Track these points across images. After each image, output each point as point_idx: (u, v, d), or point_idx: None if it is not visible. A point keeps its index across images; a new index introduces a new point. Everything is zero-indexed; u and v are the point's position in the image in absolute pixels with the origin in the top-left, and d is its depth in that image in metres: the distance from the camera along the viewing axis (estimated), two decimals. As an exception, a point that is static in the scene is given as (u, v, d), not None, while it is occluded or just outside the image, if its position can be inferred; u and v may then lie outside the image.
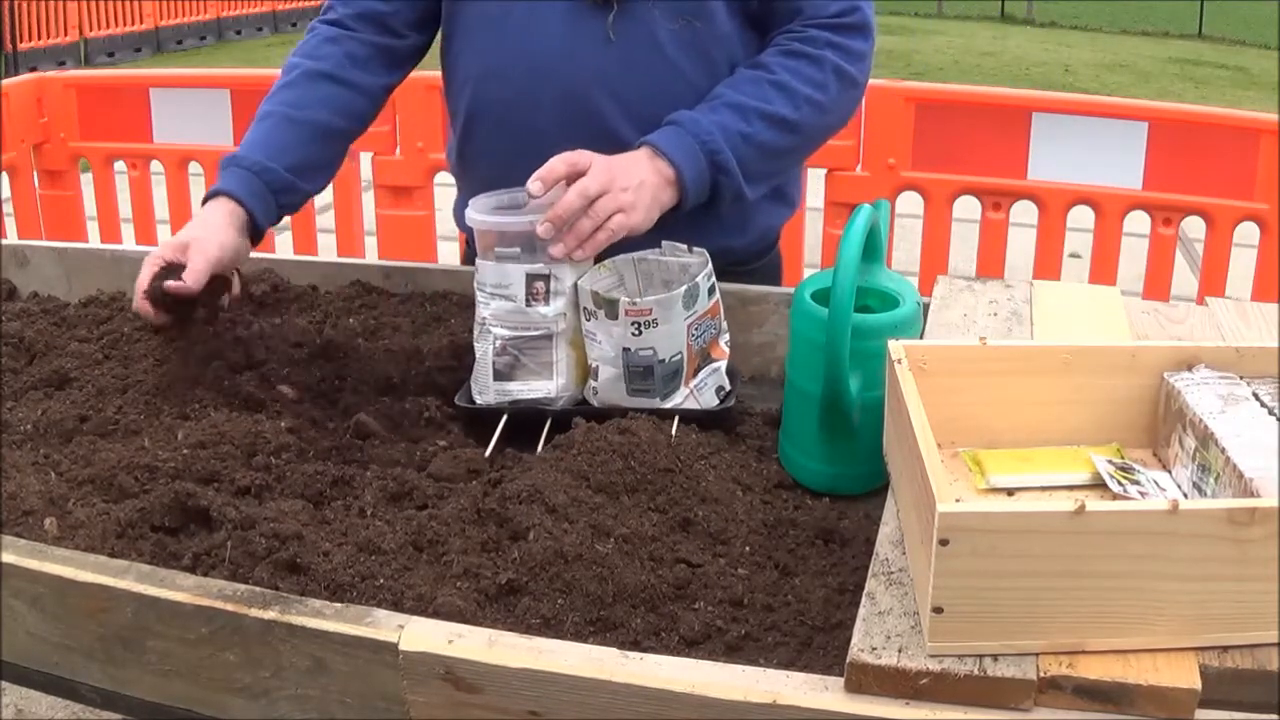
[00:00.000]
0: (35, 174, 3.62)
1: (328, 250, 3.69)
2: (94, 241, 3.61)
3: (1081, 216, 3.18)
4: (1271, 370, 1.15)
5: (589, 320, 1.38)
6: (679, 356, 1.37)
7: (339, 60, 1.64)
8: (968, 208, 3.29)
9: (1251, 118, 3.09)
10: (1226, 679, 0.88)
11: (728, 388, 1.43)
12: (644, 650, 0.98)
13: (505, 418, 1.38)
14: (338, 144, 1.67)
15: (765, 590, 1.10)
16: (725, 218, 1.59)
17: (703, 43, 1.56)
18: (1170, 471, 1.14)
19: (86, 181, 3.69)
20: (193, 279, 1.47)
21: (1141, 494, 1.08)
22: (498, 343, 1.40)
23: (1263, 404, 1.09)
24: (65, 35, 10.97)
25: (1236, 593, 0.88)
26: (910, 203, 3.25)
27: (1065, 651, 0.88)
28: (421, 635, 0.96)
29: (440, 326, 1.65)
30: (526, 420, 1.39)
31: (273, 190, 1.58)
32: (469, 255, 1.62)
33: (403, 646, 0.96)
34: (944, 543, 0.86)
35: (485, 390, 1.42)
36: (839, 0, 1.57)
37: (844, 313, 1.16)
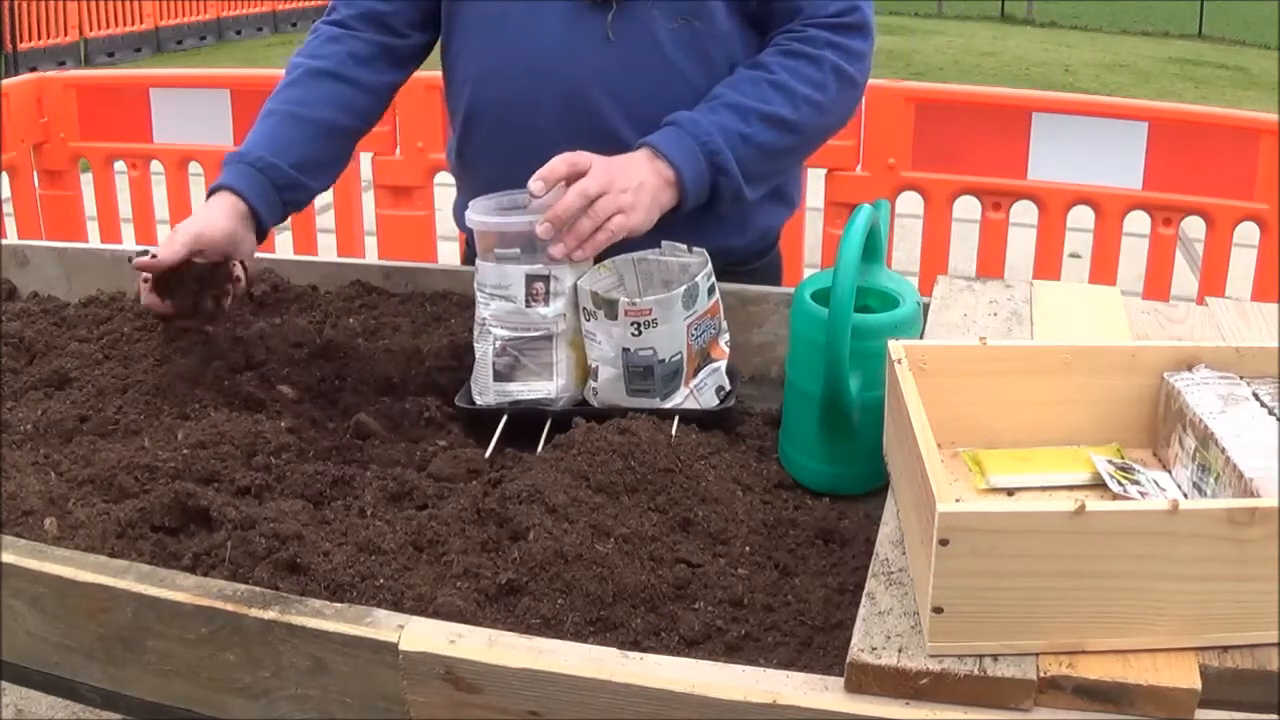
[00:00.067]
0: (35, 174, 3.62)
1: (328, 250, 3.69)
2: (94, 241, 3.61)
3: (1081, 216, 3.18)
4: (1271, 370, 1.15)
5: (589, 320, 1.38)
6: (679, 356, 1.37)
7: (342, 59, 1.65)
8: (968, 208, 3.29)
9: (1251, 118, 3.09)
10: (1226, 679, 0.88)
11: (728, 387, 1.43)
12: (644, 650, 0.98)
13: (505, 418, 1.38)
14: (343, 141, 1.67)
15: (765, 590, 1.10)
16: (725, 218, 1.59)
17: (702, 42, 1.56)
18: (1170, 471, 1.14)
19: (86, 181, 3.69)
20: (164, 253, 1.48)
21: (1141, 494, 1.08)
22: (498, 343, 1.40)
23: (1263, 404, 1.09)
24: (65, 35, 10.97)
25: (1236, 593, 0.88)
26: (910, 203, 3.25)
27: (1065, 651, 0.88)
28: (421, 635, 0.96)
29: (440, 326, 1.65)
30: (526, 420, 1.39)
31: (277, 186, 1.58)
32: (469, 255, 1.62)
33: (403, 646, 0.96)
34: (944, 543, 0.86)
35: (485, 391, 1.42)
36: (838, 0, 1.57)
37: (844, 313, 1.16)
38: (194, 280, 1.52)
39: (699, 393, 1.40)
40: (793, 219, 1.81)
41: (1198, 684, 0.85)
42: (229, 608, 1.01)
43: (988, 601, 0.88)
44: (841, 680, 0.90)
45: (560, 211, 1.37)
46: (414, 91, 3.12)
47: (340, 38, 1.66)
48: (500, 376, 1.41)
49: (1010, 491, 1.13)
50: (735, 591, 1.09)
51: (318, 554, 1.10)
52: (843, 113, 1.62)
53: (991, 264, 3.18)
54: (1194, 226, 3.28)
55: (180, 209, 3.63)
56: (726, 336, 1.45)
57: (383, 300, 1.74)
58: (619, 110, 1.56)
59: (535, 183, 1.37)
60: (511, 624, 1.04)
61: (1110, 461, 1.14)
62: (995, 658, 0.88)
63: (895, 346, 1.14)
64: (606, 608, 1.06)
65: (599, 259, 1.44)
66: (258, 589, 1.04)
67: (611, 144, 1.51)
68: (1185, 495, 1.09)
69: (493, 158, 1.64)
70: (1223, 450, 1.03)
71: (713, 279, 1.40)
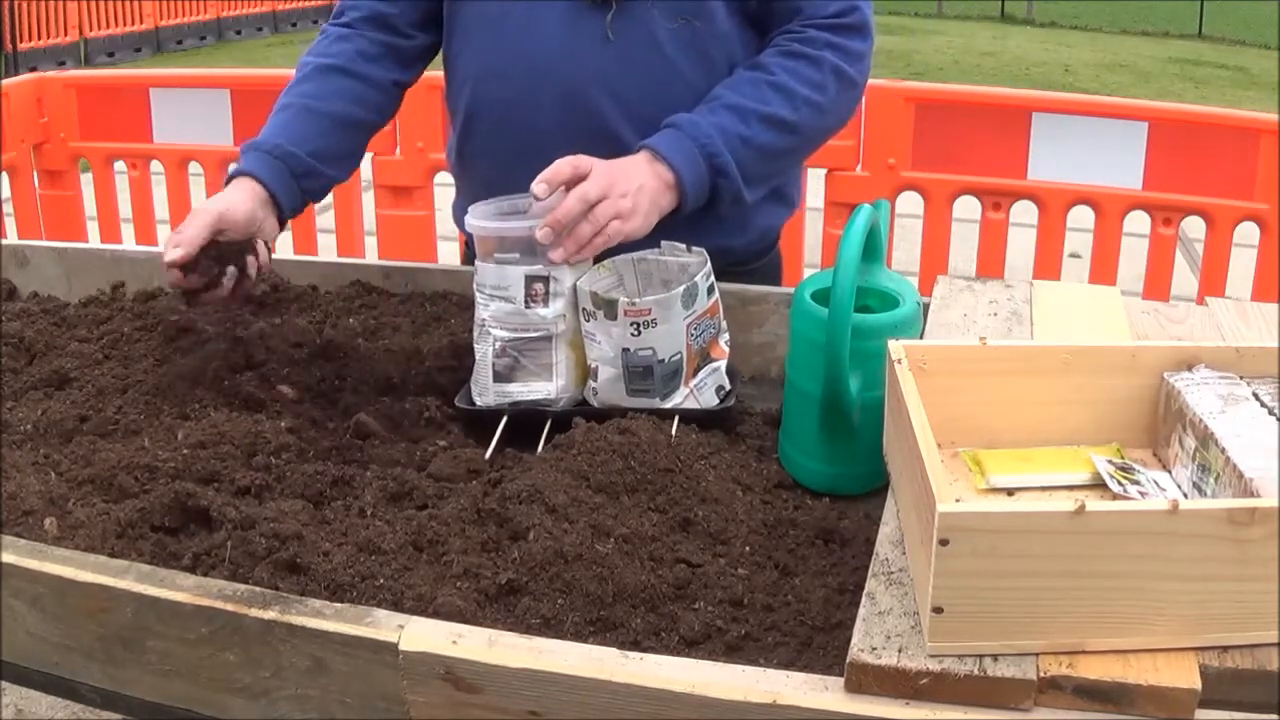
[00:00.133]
0: (35, 174, 3.62)
1: (328, 250, 3.69)
2: (94, 241, 3.61)
3: (1081, 216, 3.18)
4: (1271, 370, 1.15)
5: (588, 321, 1.38)
6: (678, 356, 1.37)
7: (351, 56, 1.66)
8: (968, 208, 3.29)
9: (1251, 118, 3.09)
10: (1226, 679, 0.88)
11: (727, 387, 1.43)
12: (644, 650, 0.98)
13: (505, 419, 1.38)
14: (357, 135, 1.68)
15: (765, 590, 1.10)
16: (725, 218, 1.59)
17: (702, 42, 1.56)
18: (1170, 471, 1.14)
19: (86, 181, 3.69)
20: (187, 235, 1.47)
21: (1141, 494, 1.08)
22: (497, 344, 1.40)
23: (1263, 404, 1.09)
24: (65, 35, 10.97)
25: (1236, 593, 0.88)
26: (910, 203, 3.25)
27: (1065, 651, 0.88)
28: (421, 635, 0.96)
29: (440, 326, 1.65)
30: (526, 420, 1.39)
31: (295, 174, 1.59)
32: (469, 255, 1.62)
33: (403, 646, 0.96)
34: (944, 543, 0.86)
35: (485, 392, 1.42)
36: (838, 0, 1.57)
37: (844, 313, 1.16)
38: (216, 258, 1.51)
39: (699, 392, 1.40)
40: (793, 219, 1.81)
41: (1198, 684, 0.85)
42: (229, 608, 1.01)
43: (988, 601, 0.88)
44: (841, 680, 0.90)
45: (560, 217, 1.37)
46: (414, 91, 3.10)
47: (349, 36, 1.68)
48: (500, 377, 1.41)
49: (1010, 491, 1.13)
50: (735, 591, 1.09)
51: (318, 554, 1.10)
52: (842, 114, 1.62)
53: (991, 264, 3.17)
54: (1194, 226, 3.28)
55: (180, 209, 3.63)
56: (726, 336, 1.45)
57: (383, 300, 1.74)
58: (619, 110, 1.56)
59: (539, 185, 1.37)
60: (511, 624, 1.04)
61: (1110, 461, 1.14)
62: (995, 658, 0.88)
63: (895, 346, 1.14)
64: (606, 608, 1.06)
65: (598, 259, 1.44)
66: (258, 589, 1.04)
67: (611, 144, 1.51)
68: (1185, 495, 1.09)
69: (493, 157, 1.64)
70: (1223, 450, 1.03)
71: (712, 279, 1.40)
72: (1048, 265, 3.16)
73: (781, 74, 1.54)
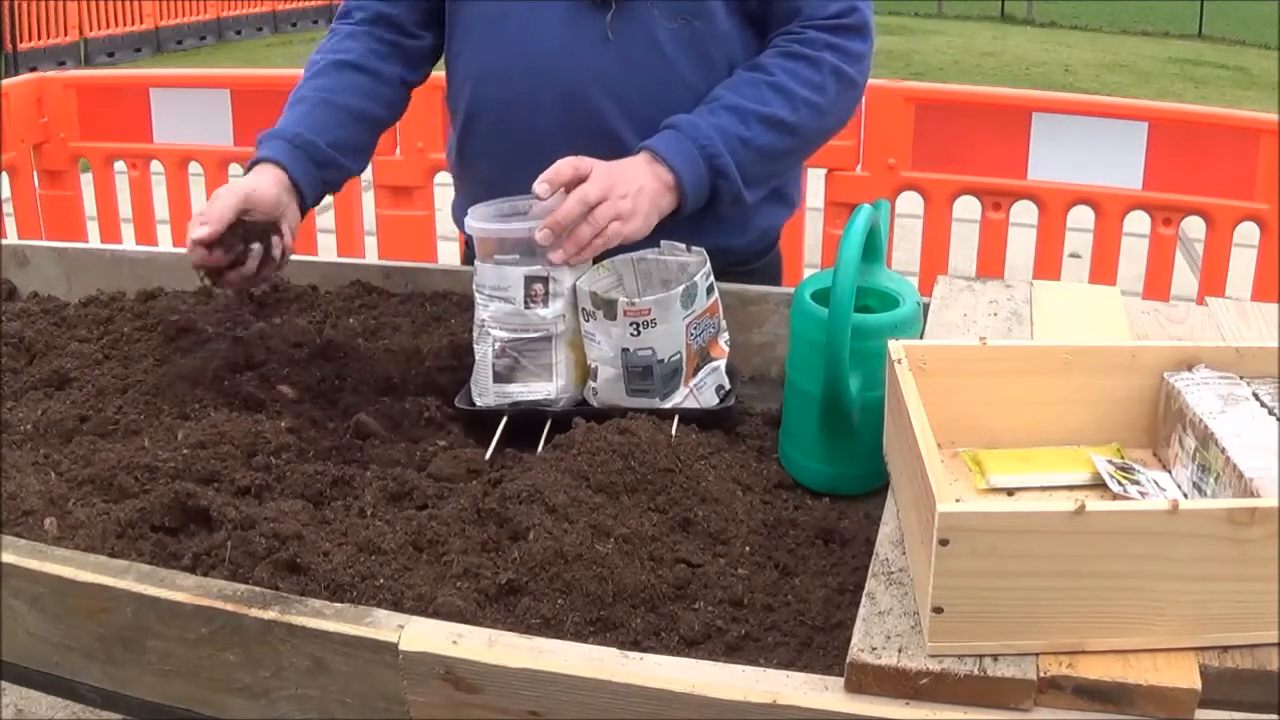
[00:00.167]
0: (35, 174, 3.62)
1: (328, 250, 3.68)
2: (94, 241, 3.61)
3: (1081, 216, 3.18)
4: (1271, 370, 1.15)
5: (588, 321, 1.38)
6: (678, 356, 1.37)
7: (363, 53, 1.67)
8: (968, 208, 3.29)
9: (1251, 118, 3.09)
10: (1226, 679, 0.88)
11: (727, 386, 1.43)
12: (644, 650, 0.98)
13: (505, 420, 1.38)
14: (371, 129, 1.69)
15: (765, 590, 1.10)
16: (725, 218, 1.59)
17: (701, 42, 1.56)
18: (1170, 471, 1.14)
19: (86, 181, 3.69)
20: (213, 215, 1.47)
21: (1141, 494, 1.08)
22: (497, 345, 1.40)
23: (1263, 404, 1.09)
24: (65, 35, 10.97)
25: (1236, 593, 0.88)
26: (910, 203, 3.25)
27: (1065, 651, 0.88)
28: (421, 635, 0.96)
29: (440, 326, 1.65)
30: (526, 421, 1.39)
31: (316, 163, 1.59)
32: (469, 255, 1.62)
33: (403, 646, 0.96)
34: (944, 543, 0.86)
35: (485, 392, 1.42)
36: (838, 1, 1.57)
37: (844, 313, 1.16)
38: (243, 236, 1.50)
39: (699, 392, 1.40)
40: (793, 219, 1.81)
41: (1198, 684, 0.85)
42: (229, 608, 1.01)
43: (988, 601, 0.88)
44: (841, 680, 0.90)
45: (560, 218, 1.37)
46: (414, 91, 3.12)
47: (358, 35, 1.69)
48: (500, 378, 1.41)
49: (1010, 491, 1.13)
50: (735, 591, 1.09)
51: (318, 554, 1.10)
52: (842, 114, 1.62)
53: (991, 264, 3.17)
54: (1194, 226, 3.28)
55: (180, 209, 3.63)
56: (726, 335, 1.45)
57: (383, 300, 1.74)
58: (618, 110, 1.56)
59: (541, 185, 1.37)
60: (511, 624, 1.04)
61: (1110, 461, 1.14)
62: (995, 658, 0.88)
63: (895, 346, 1.14)
64: (606, 608, 1.06)
65: (598, 259, 1.44)
66: (258, 589, 1.04)
67: (611, 144, 1.51)
68: (1185, 495, 1.09)
69: (493, 157, 1.64)
70: (1223, 450, 1.03)
71: (711, 278, 1.40)
72: (1048, 265, 3.16)
73: (781, 75, 1.54)
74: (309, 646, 0.99)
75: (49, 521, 1.17)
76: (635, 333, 1.35)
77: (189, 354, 1.51)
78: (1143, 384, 1.17)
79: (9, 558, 1.08)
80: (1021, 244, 3.27)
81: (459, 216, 1.61)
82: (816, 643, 1.03)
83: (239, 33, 13.67)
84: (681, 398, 1.38)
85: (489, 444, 1.34)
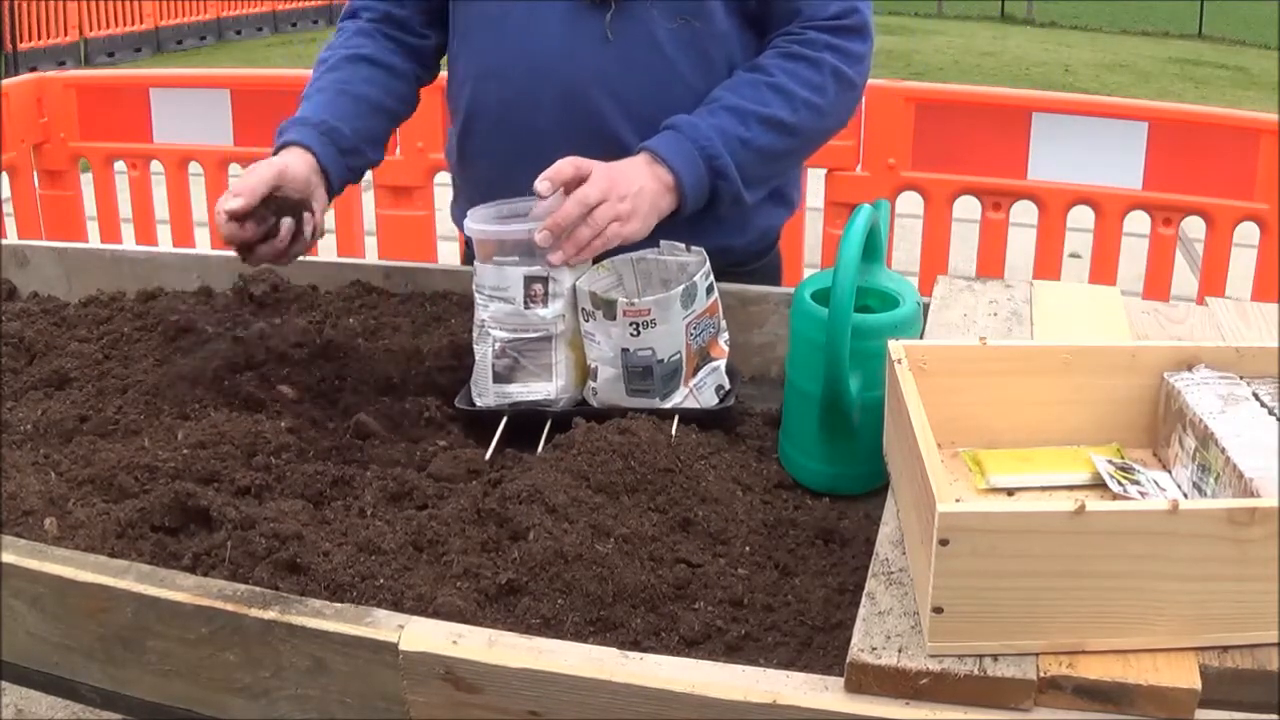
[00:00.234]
0: (35, 174, 3.62)
1: (328, 250, 3.67)
2: (94, 241, 3.61)
3: (1081, 216, 3.18)
4: (1271, 370, 1.15)
5: (587, 321, 1.38)
6: (678, 356, 1.37)
7: (375, 48, 1.68)
8: (968, 208, 3.29)
9: (1251, 118, 3.09)
10: (1226, 679, 0.88)
11: (727, 386, 1.43)
12: (644, 650, 0.98)
13: (505, 420, 1.38)
14: (388, 121, 1.69)
15: (765, 590, 1.10)
16: (724, 219, 1.59)
17: (701, 42, 1.56)
18: (1170, 471, 1.14)
19: (86, 181, 3.69)
20: (245, 186, 1.45)
21: (1141, 494, 1.08)
22: (497, 345, 1.40)
23: (1263, 404, 1.09)
24: (65, 35, 10.97)
25: (1236, 593, 0.88)
26: (910, 203, 3.25)
27: (1065, 651, 0.88)
28: (421, 635, 0.96)
29: (440, 326, 1.65)
30: (526, 421, 1.39)
31: (341, 150, 1.59)
32: (469, 255, 1.62)
33: (403, 646, 0.96)
34: (944, 543, 0.86)
35: (485, 393, 1.42)
36: (838, 1, 1.57)
37: (844, 313, 1.16)
38: (275, 210, 1.48)
39: (698, 392, 1.40)
40: (793, 219, 1.81)
41: (1198, 684, 0.85)
42: (229, 608, 1.01)
43: (988, 601, 0.88)
44: (841, 680, 0.90)
45: (560, 220, 1.37)
46: (415, 91, 3.14)
47: (367, 30, 1.70)
48: (500, 378, 1.41)
49: (1010, 491, 1.13)
50: (735, 591, 1.09)
51: (318, 554, 1.10)
52: (842, 115, 1.62)
53: (991, 264, 3.17)
54: (1194, 226, 3.28)
55: (180, 209, 3.63)
56: (726, 335, 1.45)
57: (383, 300, 1.74)
58: (618, 110, 1.56)
59: (542, 183, 1.38)
60: (511, 624, 1.04)
61: (1110, 461, 1.14)
62: (995, 658, 0.88)
63: (895, 346, 1.14)
64: (606, 608, 1.06)
65: (598, 259, 1.44)
66: (258, 589, 1.04)
67: (611, 144, 1.51)
68: (1185, 495, 1.09)
69: (492, 157, 1.64)
70: (1223, 450, 1.03)
71: (711, 278, 1.40)
72: (1048, 265, 3.16)
73: (781, 76, 1.54)
74: (309, 646, 0.99)
75: (49, 521, 1.17)
76: (635, 333, 1.35)
77: (189, 354, 1.51)
78: (1143, 384, 1.17)
79: (9, 558, 1.08)
80: (1021, 244, 3.27)
81: (459, 217, 1.61)
82: (816, 643, 1.03)
83: (239, 33, 13.66)
84: (681, 398, 1.38)
85: (489, 444, 1.34)
